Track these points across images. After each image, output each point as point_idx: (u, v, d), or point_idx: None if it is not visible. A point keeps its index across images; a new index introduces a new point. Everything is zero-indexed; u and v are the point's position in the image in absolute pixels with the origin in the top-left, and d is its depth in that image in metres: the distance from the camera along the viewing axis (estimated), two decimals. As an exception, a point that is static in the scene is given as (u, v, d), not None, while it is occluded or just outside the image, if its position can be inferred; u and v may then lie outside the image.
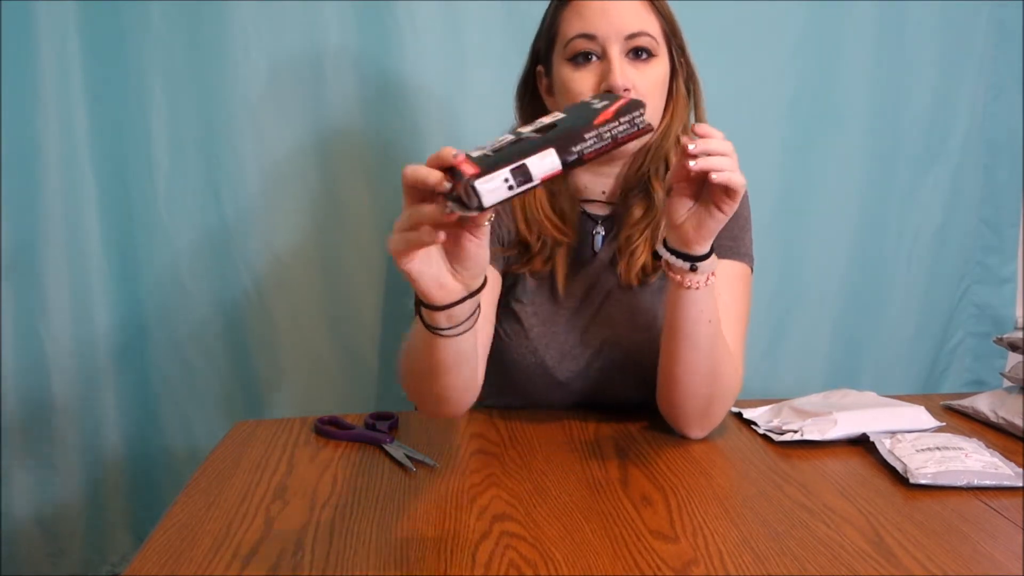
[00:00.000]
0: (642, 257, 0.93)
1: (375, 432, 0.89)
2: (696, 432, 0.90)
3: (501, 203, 0.55)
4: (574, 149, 0.57)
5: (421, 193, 0.58)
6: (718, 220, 0.75)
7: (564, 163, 0.57)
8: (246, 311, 1.38)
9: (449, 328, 0.68)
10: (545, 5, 1.31)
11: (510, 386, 0.98)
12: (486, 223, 0.62)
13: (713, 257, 0.80)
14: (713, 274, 0.80)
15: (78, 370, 1.34)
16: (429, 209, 0.57)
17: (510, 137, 0.58)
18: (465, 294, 0.66)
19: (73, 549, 1.39)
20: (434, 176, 0.56)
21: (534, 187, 0.56)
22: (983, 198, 1.61)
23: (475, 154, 0.56)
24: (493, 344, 0.95)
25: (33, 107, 1.25)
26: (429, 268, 0.62)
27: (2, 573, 1.37)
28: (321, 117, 1.34)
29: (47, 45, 1.24)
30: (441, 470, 0.81)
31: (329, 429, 0.91)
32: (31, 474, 1.36)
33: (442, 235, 0.58)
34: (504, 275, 0.96)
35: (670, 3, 0.92)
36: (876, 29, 1.47)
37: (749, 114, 1.41)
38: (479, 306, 0.70)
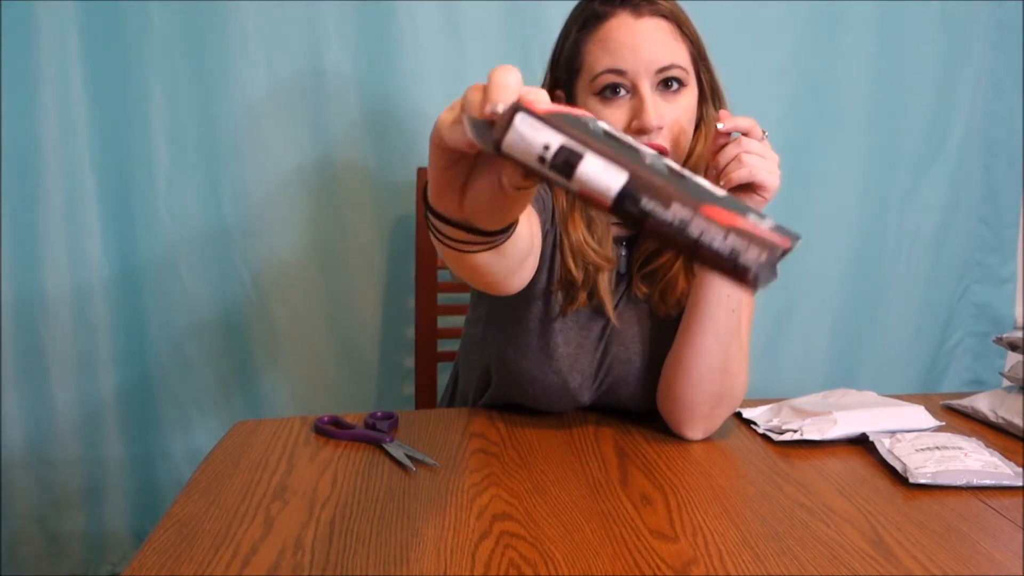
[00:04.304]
0: (678, 290, 0.92)
1: (375, 432, 0.89)
2: (696, 433, 0.90)
3: (514, 160, 0.41)
4: (647, 202, 0.39)
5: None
6: (755, 203, 0.80)
7: (619, 200, 0.39)
8: (246, 311, 1.38)
9: (444, 239, 0.55)
10: (544, 8, 1.34)
11: (520, 395, 0.97)
12: (517, 190, 0.45)
13: None
14: None
15: (78, 370, 1.34)
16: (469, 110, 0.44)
17: (604, 126, 0.41)
18: (458, 220, 0.51)
19: (73, 549, 1.39)
20: (505, 93, 0.42)
21: (562, 186, 0.41)
22: (982, 198, 1.61)
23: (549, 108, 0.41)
24: (512, 363, 0.93)
25: (33, 107, 1.25)
26: (455, 154, 0.46)
27: (2, 573, 1.37)
28: (321, 117, 1.34)
29: (47, 45, 1.24)
30: (441, 470, 0.81)
31: (329, 429, 0.91)
32: (31, 474, 1.36)
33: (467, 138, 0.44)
34: (536, 299, 0.93)
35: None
36: (876, 29, 1.47)
37: (749, 114, 1.41)
38: (489, 248, 0.56)
